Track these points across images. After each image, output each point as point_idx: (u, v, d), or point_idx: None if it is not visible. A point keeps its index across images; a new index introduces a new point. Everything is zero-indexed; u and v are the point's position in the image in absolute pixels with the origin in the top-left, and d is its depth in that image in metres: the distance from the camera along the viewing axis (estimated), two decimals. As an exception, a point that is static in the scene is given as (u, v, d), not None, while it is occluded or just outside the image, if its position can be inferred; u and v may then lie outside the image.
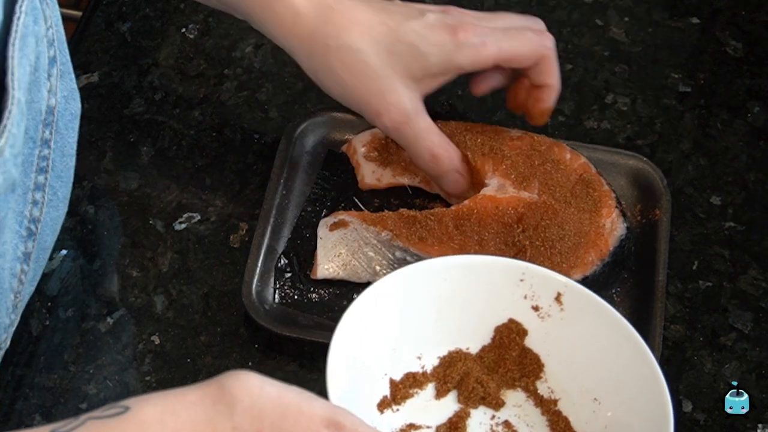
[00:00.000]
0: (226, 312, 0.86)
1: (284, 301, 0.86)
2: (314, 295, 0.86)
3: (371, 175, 0.92)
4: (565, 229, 0.85)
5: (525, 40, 0.87)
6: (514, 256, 0.84)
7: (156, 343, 0.85)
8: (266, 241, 0.87)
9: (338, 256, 0.86)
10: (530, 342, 0.80)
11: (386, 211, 0.88)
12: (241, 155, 0.95)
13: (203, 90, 0.99)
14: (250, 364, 0.84)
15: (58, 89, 0.78)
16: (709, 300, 0.88)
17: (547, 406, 0.79)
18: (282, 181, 0.90)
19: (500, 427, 0.78)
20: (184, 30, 1.03)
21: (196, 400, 0.61)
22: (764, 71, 1.02)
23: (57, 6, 0.77)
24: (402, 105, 0.85)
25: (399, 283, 0.77)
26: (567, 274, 0.83)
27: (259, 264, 0.86)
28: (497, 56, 0.86)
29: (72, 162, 0.83)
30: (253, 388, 0.61)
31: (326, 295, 0.86)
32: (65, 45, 0.78)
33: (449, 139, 0.89)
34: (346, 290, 0.86)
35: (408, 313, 0.78)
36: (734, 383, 0.84)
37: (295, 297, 0.86)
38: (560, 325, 0.79)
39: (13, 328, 0.79)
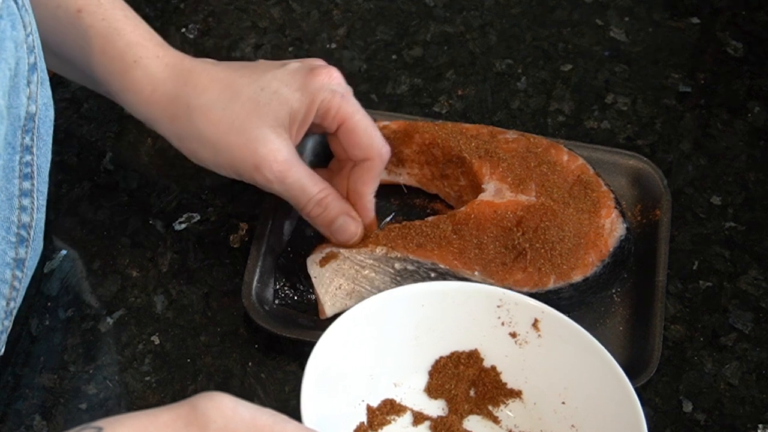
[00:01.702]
0: (226, 312, 0.86)
1: (284, 301, 0.86)
2: (314, 296, 0.86)
3: None
4: (565, 231, 0.85)
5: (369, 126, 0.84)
6: (515, 260, 0.83)
7: (156, 343, 0.85)
8: (266, 241, 0.87)
9: (339, 288, 0.85)
10: (507, 369, 0.80)
11: (381, 228, 0.88)
12: (241, 155, 0.95)
13: (203, 90, 0.99)
14: (250, 364, 0.84)
15: (39, 96, 0.77)
16: (709, 300, 0.88)
17: None
18: (282, 181, 0.90)
19: None
20: (184, 30, 1.03)
21: (168, 421, 0.60)
22: (764, 71, 1.02)
23: (32, 14, 0.77)
24: (280, 154, 0.81)
25: (376, 308, 0.77)
26: (567, 276, 0.83)
27: (259, 264, 0.86)
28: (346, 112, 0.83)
29: (49, 165, 0.83)
30: (226, 410, 0.60)
31: (326, 295, 0.86)
32: (42, 53, 0.78)
33: (443, 143, 0.88)
34: (346, 290, 0.86)
35: (385, 339, 0.78)
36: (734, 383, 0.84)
37: (295, 298, 0.86)
38: (538, 352, 0.79)
39: (6, 335, 0.79)
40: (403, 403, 0.79)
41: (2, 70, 0.71)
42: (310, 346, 0.84)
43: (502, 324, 0.79)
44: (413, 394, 0.80)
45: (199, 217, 0.91)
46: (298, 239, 0.88)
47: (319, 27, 1.04)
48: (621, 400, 0.74)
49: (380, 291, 0.84)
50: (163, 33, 1.02)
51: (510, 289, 0.81)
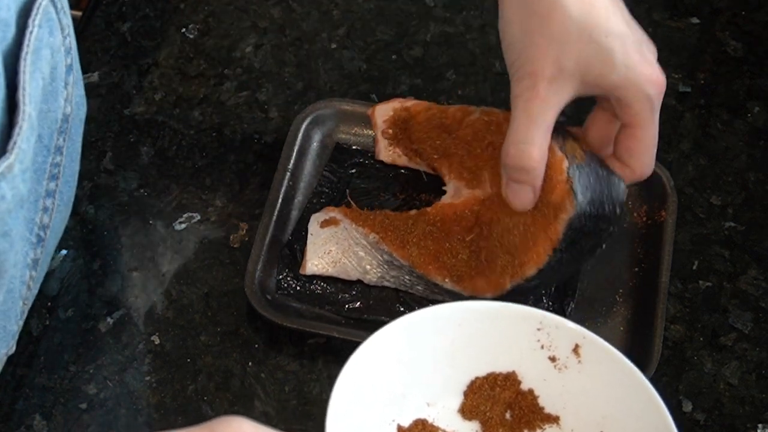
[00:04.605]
0: (226, 312, 0.86)
1: (286, 291, 0.85)
2: (316, 286, 0.86)
3: (385, 150, 0.91)
4: (513, 221, 0.79)
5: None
6: (476, 263, 0.82)
7: (156, 343, 0.85)
8: (270, 231, 0.87)
9: (328, 253, 0.85)
10: (545, 393, 0.78)
11: (383, 210, 0.88)
12: (241, 155, 0.95)
13: (203, 90, 0.99)
14: (250, 364, 0.84)
15: (74, 96, 0.77)
16: (709, 300, 0.88)
17: None
18: (288, 172, 0.90)
19: None
20: (184, 30, 1.03)
21: None
22: (764, 71, 1.02)
23: (69, 12, 0.76)
24: (541, 91, 0.76)
25: (411, 326, 0.75)
26: (521, 272, 0.79)
27: (263, 254, 0.86)
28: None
29: (78, 166, 0.83)
30: None
31: (327, 287, 0.86)
32: (76, 51, 0.78)
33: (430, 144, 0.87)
34: (347, 283, 0.86)
35: (420, 357, 0.76)
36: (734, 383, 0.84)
37: (297, 288, 0.86)
38: (577, 378, 0.76)
39: (18, 335, 0.79)
40: (435, 424, 0.76)
41: (35, 80, 0.71)
42: (311, 346, 0.84)
43: (542, 347, 0.77)
44: (447, 414, 0.77)
45: (199, 217, 0.91)
46: (302, 231, 0.88)
47: (319, 27, 1.04)
48: (659, 430, 0.72)
49: (365, 270, 0.85)
50: (163, 33, 1.03)
51: (474, 297, 0.80)
